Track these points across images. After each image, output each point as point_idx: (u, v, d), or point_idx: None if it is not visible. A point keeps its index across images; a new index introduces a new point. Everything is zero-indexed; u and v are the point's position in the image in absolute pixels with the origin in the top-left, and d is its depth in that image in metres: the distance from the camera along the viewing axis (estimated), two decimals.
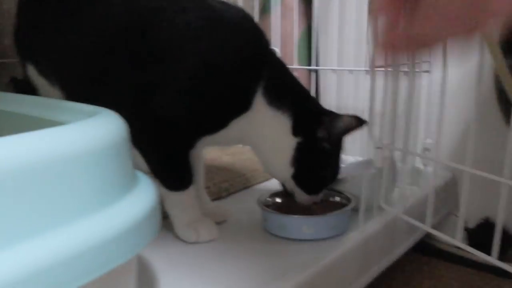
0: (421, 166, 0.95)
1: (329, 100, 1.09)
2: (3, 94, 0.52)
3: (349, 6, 1.04)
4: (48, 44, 0.67)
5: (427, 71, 0.88)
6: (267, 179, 0.93)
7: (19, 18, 0.74)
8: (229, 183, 0.87)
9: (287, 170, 0.67)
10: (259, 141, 0.67)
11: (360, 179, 0.68)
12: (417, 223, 0.62)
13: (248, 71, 0.63)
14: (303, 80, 1.16)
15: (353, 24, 1.02)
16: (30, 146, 0.28)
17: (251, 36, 0.65)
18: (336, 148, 0.68)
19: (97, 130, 0.33)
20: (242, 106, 0.64)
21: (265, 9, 1.21)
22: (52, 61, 0.67)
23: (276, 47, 1.09)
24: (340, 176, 0.72)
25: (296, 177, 0.67)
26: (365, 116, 0.66)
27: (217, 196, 0.83)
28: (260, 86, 0.64)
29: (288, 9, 1.19)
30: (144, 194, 0.37)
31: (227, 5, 0.66)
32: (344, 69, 1.04)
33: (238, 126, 0.65)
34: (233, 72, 0.62)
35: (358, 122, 0.65)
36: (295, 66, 1.10)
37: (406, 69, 0.64)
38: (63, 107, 0.41)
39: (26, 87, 0.84)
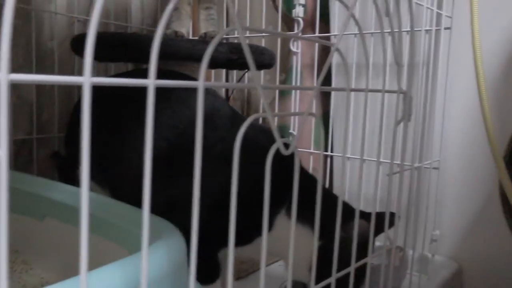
0: (429, 255, 1.00)
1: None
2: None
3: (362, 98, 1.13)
4: (100, 153, 0.73)
5: (436, 168, 0.95)
6: None
7: (72, 123, 0.81)
8: (248, 264, 0.92)
9: (305, 276, 0.70)
10: (284, 253, 0.70)
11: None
12: None
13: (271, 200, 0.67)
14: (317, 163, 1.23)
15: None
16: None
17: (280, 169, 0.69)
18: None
19: (161, 259, 0.39)
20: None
21: (284, 91, 1.31)
22: (103, 169, 0.75)
23: (293, 130, 1.18)
24: None
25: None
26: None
27: (236, 277, 0.88)
28: (284, 207, 0.68)
29: (306, 94, 1.28)
30: None
31: (264, 132, 0.71)
32: (357, 157, 1.11)
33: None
34: (255, 199, 0.66)
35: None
36: (311, 150, 1.17)
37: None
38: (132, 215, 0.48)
39: (67, 165, 0.91)
